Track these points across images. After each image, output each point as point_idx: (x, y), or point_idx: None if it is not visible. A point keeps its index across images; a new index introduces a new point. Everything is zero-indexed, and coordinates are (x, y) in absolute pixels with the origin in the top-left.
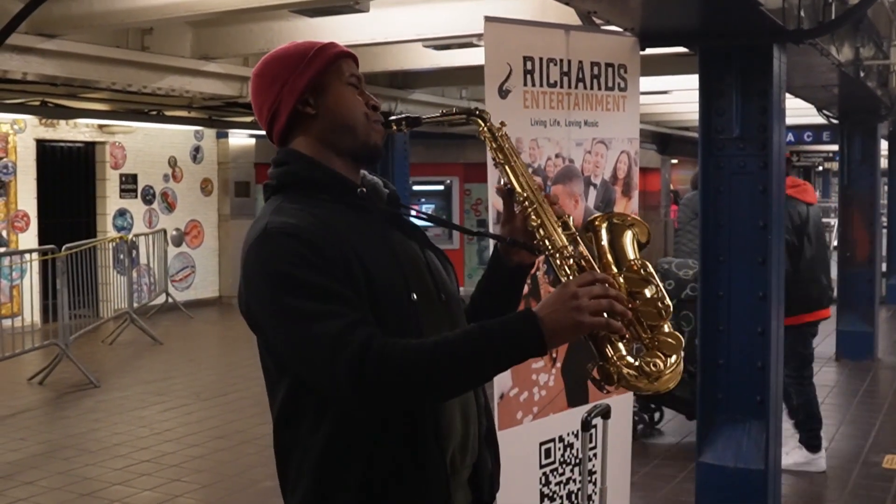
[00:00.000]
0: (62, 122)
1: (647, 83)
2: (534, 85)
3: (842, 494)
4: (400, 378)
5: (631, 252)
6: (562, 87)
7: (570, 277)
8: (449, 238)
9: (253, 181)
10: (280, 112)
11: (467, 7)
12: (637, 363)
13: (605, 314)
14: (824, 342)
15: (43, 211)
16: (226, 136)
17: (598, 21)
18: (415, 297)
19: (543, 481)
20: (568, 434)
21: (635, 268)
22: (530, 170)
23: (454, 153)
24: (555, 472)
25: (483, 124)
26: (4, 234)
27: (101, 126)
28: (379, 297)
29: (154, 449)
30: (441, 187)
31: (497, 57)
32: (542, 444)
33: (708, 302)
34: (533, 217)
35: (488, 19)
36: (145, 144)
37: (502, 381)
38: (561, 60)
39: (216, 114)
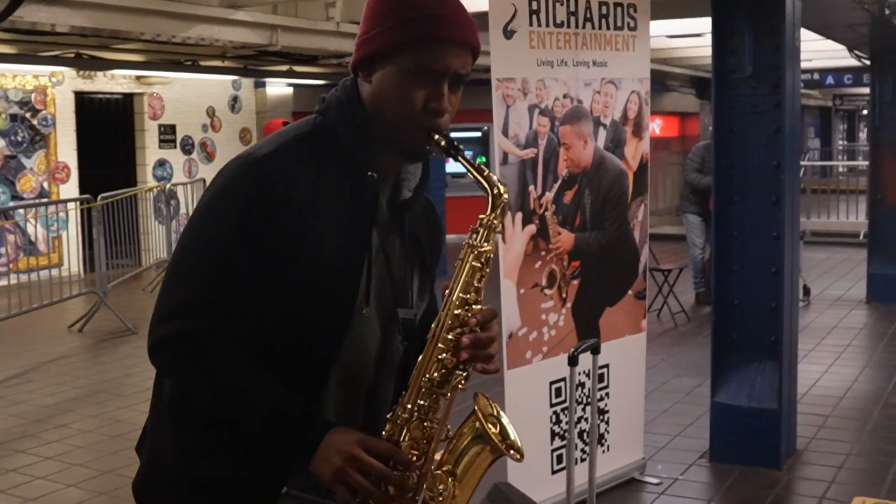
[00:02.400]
0: (100, 74)
1: (679, 26)
2: (540, 25)
3: (860, 435)
4: (182, 383)
5: (467, 468)
6: (569, 26)
7: (394, 430)
8: None
9: None
10: (358, 50)
11: None
12: None
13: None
14: (855, 285)
15: (83, 162)
16: (263, 85)
17: None
18: (366, 312)
19: (554, 420)
20: (580, 374)
21: (442, 481)
22: (536, 111)
23: (491, 99)
24: (565, 411)
25: (490, 211)
26: (45, 185)
27: (138, 77)
28: (313, 291)
29: None
30: (478, 134)
31: None
32: (551, 383)
33: (721, 242)
34: (425, 350)
35: None
36: (183, 95)
37: (510, 320)
38: (568, 0)
39: (252, 63)
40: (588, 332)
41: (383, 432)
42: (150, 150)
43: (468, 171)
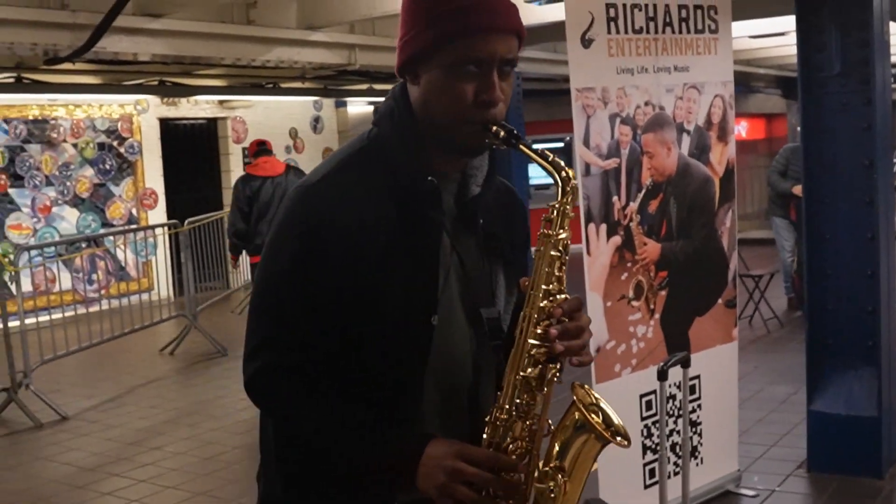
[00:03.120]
0: (183, 100)
1: (762, 26)
2: (618, 32)
3: None
4: (275, 415)
5: (575, 462)
6: (648, 32)
7: (494, 435)
8: None
9: None
10: (399, 55)
11: None
12: None
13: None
14: None
15: (169, 188)
16: (344, 104)
17: None
18: (435, 320)
19: (645, 433)
20: (670, 385)
21: (550, 483)
22: (618, 120)
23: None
24: (656, 424)
25: (559, 197)
26: (134, 211)
27: (221, 102)
28: (382, 309)
29: None
30: (561, 144)
31: (578, 6)
32: (641, 396)
33: (814, 245)
34: (515, 347)
35: None
36: (266, 117)
37: (598, 334)
38: (646, 5)
39: (331, 83)
40: (678, 343)
41: (484, 436)
42: (235, 174)
43: (532, 159)
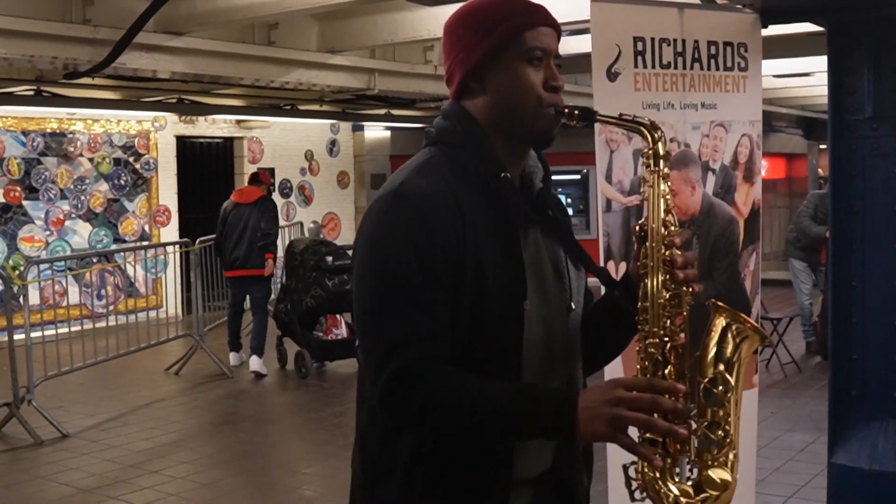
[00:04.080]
0: (201, 118)
1: (787, 65)
2: (645, 66)
3: None
4: (421, 411)
5: (734, 368)
6: (676, 67)
7: (645, 366)
8: (587, 228)
9: (388, 173)
10: (453, 79)
11: None
12: (661, 489)
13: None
14: None
15: (183, 206)
16: (361, 129)
17: None
18: (527, 305)
19: None
20: None
21: (719, 387)
22: (642, 156)
23: (591, 141)
24: None
25: (651, 143)
26: (147, 228)
27: (238, 122)
28: (485, 295)
29: None
30: (577, 177)
31: (604, 38)
32: None
33: (840, 293)
34: (644, 281)
35: (594, 0)
36: (282, 139)
37: (613, 373)
38: (675, 40)
39: (349, 107)
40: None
41: (637, 367)
42: None
43: (614, 124)
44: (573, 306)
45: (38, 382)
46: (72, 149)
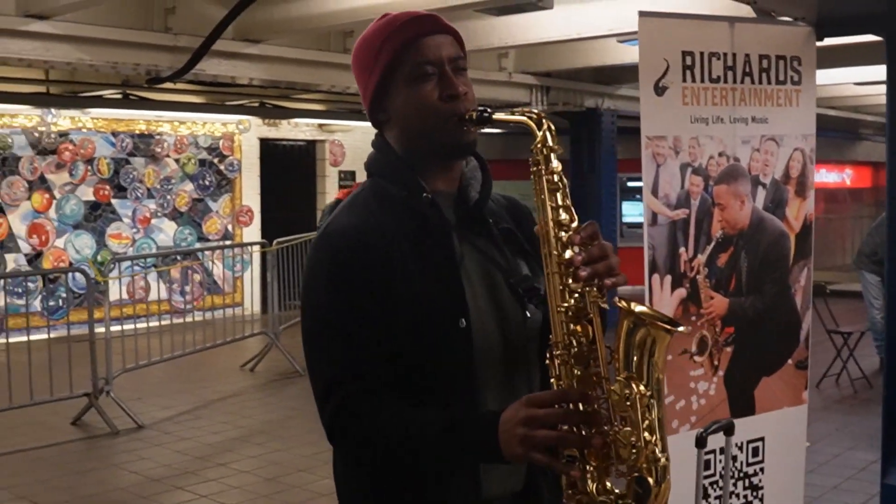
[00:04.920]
0: (284, 121)
1: (867, 73)
2: (694, 80)
3: None
4: (360, 449)
5: (643, 366)
6: (726, 81)
7: (558, 379)
8: None
9: None
10: (367, 112)
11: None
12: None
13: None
14: None
15: (266, 206)
16: None
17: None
18: (463, 322)
19: (703, 494)
20: (731, 446)
21: (624, 391)
22: (689, 170)
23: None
24: (715, 486)
25: (537, 134)
26: (230, 228)
27: (320, 125)
28: (419, 320)
29: None
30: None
31: (652, 52)
32: (706, 453)
33: (895, 313)
34: (547, 289)
35: (642, 14)
36: (363, 142)
37: None
38: (725, 54)
39: None
40: (742, 403)
41: (551, 379)
42: (330, 196)
43: (507, 121)
44: (528, 314)
45: (116, 374)
46: (159, 150)
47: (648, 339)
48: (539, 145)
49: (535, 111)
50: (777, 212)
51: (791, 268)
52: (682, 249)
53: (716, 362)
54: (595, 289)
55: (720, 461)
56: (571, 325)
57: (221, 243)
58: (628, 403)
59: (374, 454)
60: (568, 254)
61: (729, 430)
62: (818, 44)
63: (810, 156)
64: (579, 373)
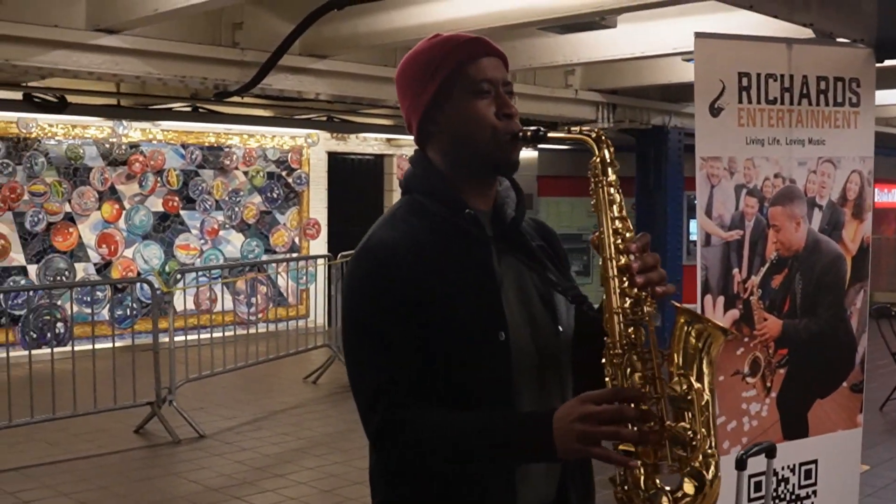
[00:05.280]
0: (352, 135)
1: None
2: (750, 102)
3: None
4: (412, 454)
5: (700, 366)
6: (783, 103)
7: (614, 378)
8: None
9: (535, 193)
10: (411, 125)
11: (717, 19)
12: (647, 493)
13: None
14: None
15: (332, 219)
16: None
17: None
18: (502, 335)
19: None
20: (783, 468)
21: (682, 387)
22: (744, 191)
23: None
24: None
25: (596, 152)
26: (297, 240)
27: (388, 140)
28: (457, 332)
29: None
30: None
31: (708, 73)
32: (751, 476)
33: None
34: (605, 292)
35: (698, 35)
36: None
37: None
38: (782, 76)
39: None
40: (795, 425)
41: (606, 379)
42: None
43: (563, 139)
44: (560, 329)
45: (179, 384)
46: (228, 162)
47: (704, 340)
48: (597, 160)
49: (594, 129)
50: (833, 234)
51: (847, 290)
52: (735, 270)
53: (768, 384)
54: (648, 297)
55: (772, 483)
56: (628, 330)
57: (287, 256)
58: (689, 398)
59: (424, 457)
60: (623, 260)
61: (770, 453)
62: (878, 65)
63: (868, 178)
64: (635, 373)
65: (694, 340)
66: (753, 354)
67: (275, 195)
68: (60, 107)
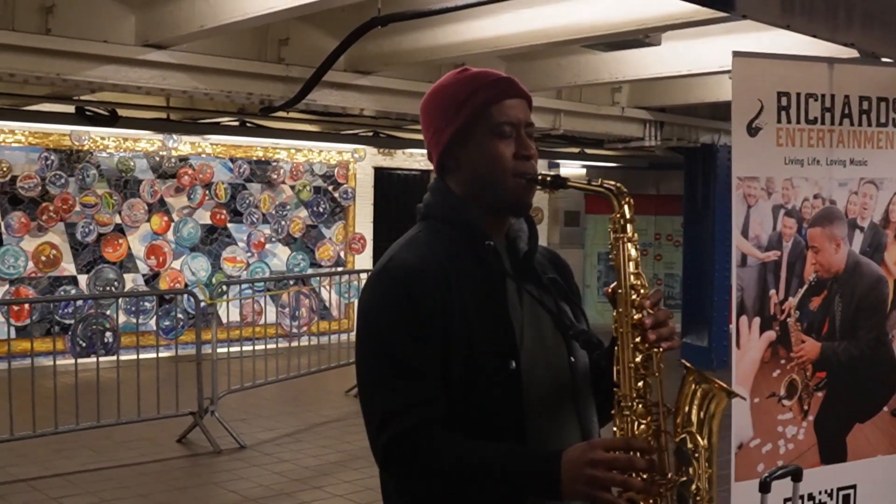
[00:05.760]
0: (398, 151)
1: None
2: (789, 122)
3: None
4: (418, 479)
5: (705, 424)
6: (823, 123)
7: (621, 428)
8: None
9: (583, 211)
10: (431, 155)
11: (762, 38)
12: None
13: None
14: None
15: (378, 234)
16: (557, 166)
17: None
18: (513, 365)
19: None
20: (820, 493)
21: (690, 444)
22: (782, 211)
23: None
24: None
25: (616, 206)
26: (342, 254)
27: None
28: (473, 358)
29: None
30: None
31: (746, 93)
32: (786, 500)
33: None
34: (617, 345)
35: (736, 54)
36: None
37: (742, 430)
38: (823, 96)
39: (541, 145)
40: (833, 449)
41: (614, 428)
42: None
43: (584, 190)
44: (573, 359)
45: (222, 395)
46: (275, 176)
47: (709, 401)
48: (618, 216)
49: (614, 184)
50: (875, 256)
51: (889, 313)
52: (772, 291)
53: (806, 406)
54: (659, 351)
55: None
56: (637, 383)
57: (332, 270)
58: (696, 455)
59: (431, 483)
60: (637, 316)
61: (796, 476)
62: None
63: None
64: (641, 425)
65: (700, 399)
66: (790, 377)
67: (321, 209)
68: (111, 120)
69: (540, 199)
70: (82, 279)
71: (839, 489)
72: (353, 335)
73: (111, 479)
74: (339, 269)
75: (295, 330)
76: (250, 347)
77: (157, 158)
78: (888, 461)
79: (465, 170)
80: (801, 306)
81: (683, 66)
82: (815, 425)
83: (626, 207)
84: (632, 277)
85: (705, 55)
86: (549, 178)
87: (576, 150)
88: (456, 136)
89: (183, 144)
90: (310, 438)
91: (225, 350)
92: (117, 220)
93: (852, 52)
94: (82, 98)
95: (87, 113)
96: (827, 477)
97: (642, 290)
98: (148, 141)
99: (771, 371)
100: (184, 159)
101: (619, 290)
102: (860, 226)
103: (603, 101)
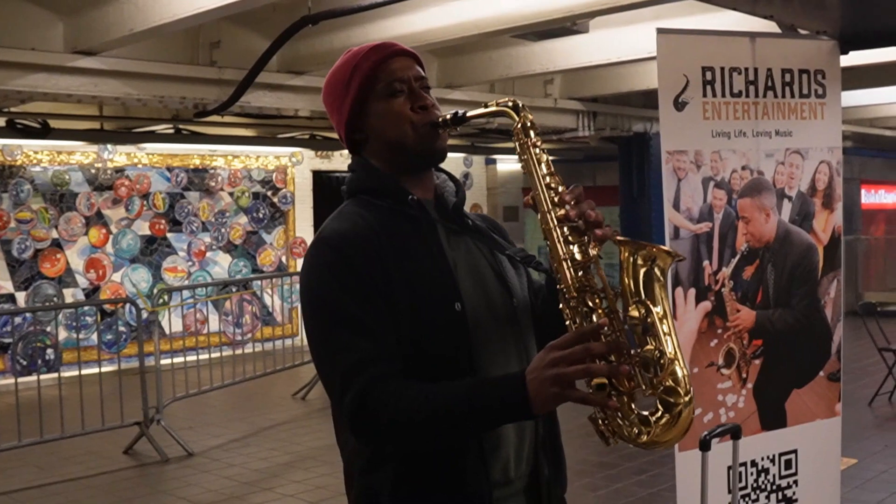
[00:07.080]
0: (336, 153)
1: None
2: (714, 95)
3: None
4: (389, 429)
5: (653, 291)
6: (748, 96)
7: (574, 322)
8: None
9: (521, 206)
10: (341, 136)
11: (690, 22)
12: (627, 420)
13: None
14: None
15: None
16: (494, 162)
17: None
18: (458, 306)
19: None
20: (762, 459)
21: (641, 312)
22: (712, 183)
23: None
24: (746, 498)
25: (516, 118)
26: (284, 259)
27: None
28: (418, 306)
29: None
30: None
31: (671, 69)
32: (729, 468)
33: None
34: (548, 243)
35: (660, 31)
36: None
37: None
38: (746, 69)
39: (478, 140)
40: (772, 415)
41: (567, 323)
42: None
43: (482, 116)
44: (514, 301)
45: (167, 403)
46: (213, 184)
47: (651, 266)
48: (519, 125)
49: (509, 98)
50: (804, 224)
51: (820, 280)
52: (706, 263)
53: (744, 375)
54: (589, 240)
55: (751, 474)
56: (578, 273)
57: (273, 273)
58: (649, 321)
59: (402, 429)
60: (561, 211)
61: (736, 434)
62: (857, 64)
63: (837, 168)
64: (592, 313)
65: (642, 268)
66: (727, 346)
67: (261, 215)
68: (43, 132)
69: (479, 195)
70: (20, 296)
71: (781, 454)
72: (296, 340)
73: (58, 494)
74: (281, 272)
75: (239, 337)
76: (195, 357)
77: (93, 171)
78: (827, 425)
79: (372, 139)
80: (735, 276)
81: (613, 54)
82: (754, 392)
83: (525, 116)
84: (546, 178)
85: (634, 41)
86: (448, 118)
87: (512, 143)
88: (354, 109)
89: (118, 155)
90: (258, 442)
91: (169, 361)
92: (54, 234)
93: (773, 27)
94: (12, 110)
95: (18, 126)
96: (768, 443)
97: (560, 188)
98: (82, 153)
99: (708, 341)
100: (120, 170)
101: (536, 192)
102: (788, 195)
103: (536, 93)
